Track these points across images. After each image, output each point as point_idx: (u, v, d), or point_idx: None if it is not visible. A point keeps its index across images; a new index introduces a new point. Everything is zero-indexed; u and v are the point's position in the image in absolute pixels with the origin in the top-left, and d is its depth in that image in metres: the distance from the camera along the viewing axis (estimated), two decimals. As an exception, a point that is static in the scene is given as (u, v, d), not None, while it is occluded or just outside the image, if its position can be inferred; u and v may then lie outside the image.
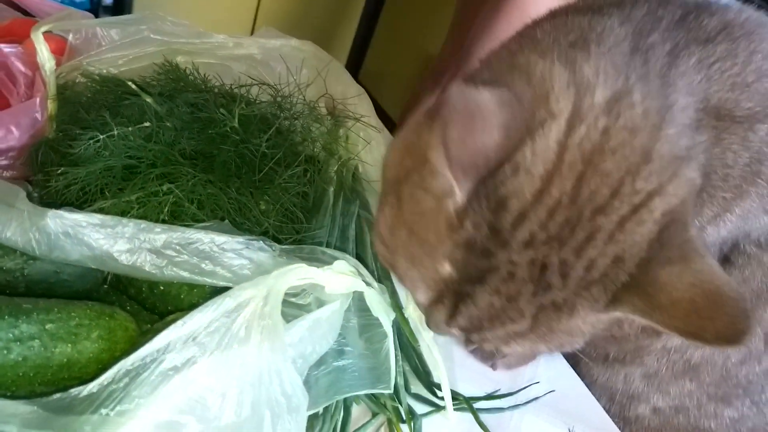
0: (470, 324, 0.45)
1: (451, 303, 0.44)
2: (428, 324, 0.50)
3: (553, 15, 0.54)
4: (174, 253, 0.53)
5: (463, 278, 0.43)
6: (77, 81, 0.71)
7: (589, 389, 0.71)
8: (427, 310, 0.47)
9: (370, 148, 0.72)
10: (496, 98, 0.38)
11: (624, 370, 0.68)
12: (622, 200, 0.41)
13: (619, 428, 0.68)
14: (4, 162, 0.63)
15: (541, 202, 0.40)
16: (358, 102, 0.72)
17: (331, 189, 0.72)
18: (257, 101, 0.71)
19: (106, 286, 0.60)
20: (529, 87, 0.42)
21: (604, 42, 0.46)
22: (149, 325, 0.56)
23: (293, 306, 0.56)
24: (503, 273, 0.42)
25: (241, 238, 0.54)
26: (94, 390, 0.42)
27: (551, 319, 0.43)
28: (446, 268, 0.43)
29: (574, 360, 0.73)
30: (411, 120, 0.47)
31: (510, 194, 0.40)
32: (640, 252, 0.41)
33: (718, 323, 0.38)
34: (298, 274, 0.49)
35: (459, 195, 0.41)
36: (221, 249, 0.54)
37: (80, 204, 0.58)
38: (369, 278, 0.57)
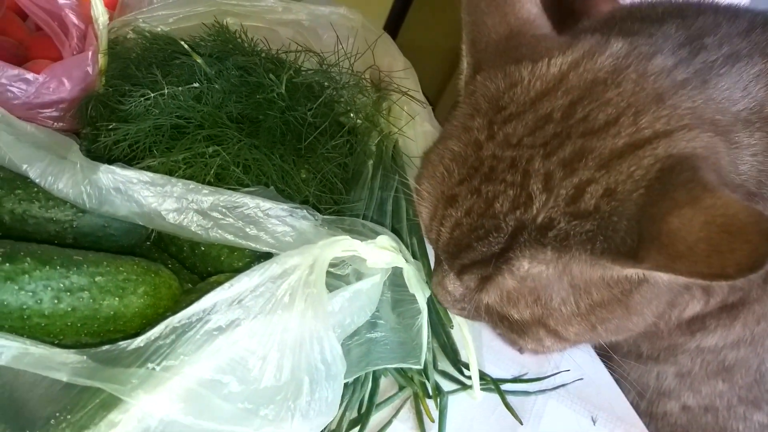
0: (451, 237, 0.45)
1: (443, 207, 0.45)
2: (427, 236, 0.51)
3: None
4: (220, 216, 0.53)
5: (456, 181, 0.44)
6: (128, 36, 0.71)
7: (619, 384, 0.71)
8: (429, 226, 0.49)
9: (413, 123, 0.71)
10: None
11: (657, 367, 0.68)
12: (619, 131, 0.40)
13: (645, 423, 0.68)
14: (55, 114, 0.64)
15: (534, 110, 0.42)
16: (404, 76, 0.72)
17: (371, 162, 0.72)
18: (303, 69, 0.71)
19: (149, 243, 0.61)
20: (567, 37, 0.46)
21: (653, 37, 0.46)
22: (189, 285, 0.57)
23: (332, 276, 0.56)
24: (485, 169, 0.42)
25: (285, 205, 0.55)
26: (142, 344, 0.43)
27: (534, 244, 0.41)
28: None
29: (606, 355, 0.73)
30: None
31: (508, 102, 0.43)
32: (637, 189, 0.39)
33: (738, 254, 0.34)
34: (344, 245, 0.49)
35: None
36: (266, 215, 0.54)
37: (128, 161, 0.59)
38: (407, 254, 0.57)
